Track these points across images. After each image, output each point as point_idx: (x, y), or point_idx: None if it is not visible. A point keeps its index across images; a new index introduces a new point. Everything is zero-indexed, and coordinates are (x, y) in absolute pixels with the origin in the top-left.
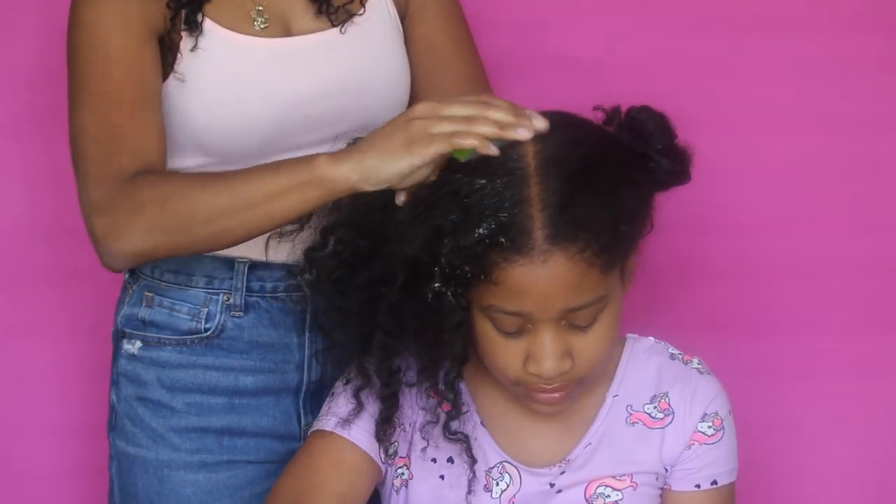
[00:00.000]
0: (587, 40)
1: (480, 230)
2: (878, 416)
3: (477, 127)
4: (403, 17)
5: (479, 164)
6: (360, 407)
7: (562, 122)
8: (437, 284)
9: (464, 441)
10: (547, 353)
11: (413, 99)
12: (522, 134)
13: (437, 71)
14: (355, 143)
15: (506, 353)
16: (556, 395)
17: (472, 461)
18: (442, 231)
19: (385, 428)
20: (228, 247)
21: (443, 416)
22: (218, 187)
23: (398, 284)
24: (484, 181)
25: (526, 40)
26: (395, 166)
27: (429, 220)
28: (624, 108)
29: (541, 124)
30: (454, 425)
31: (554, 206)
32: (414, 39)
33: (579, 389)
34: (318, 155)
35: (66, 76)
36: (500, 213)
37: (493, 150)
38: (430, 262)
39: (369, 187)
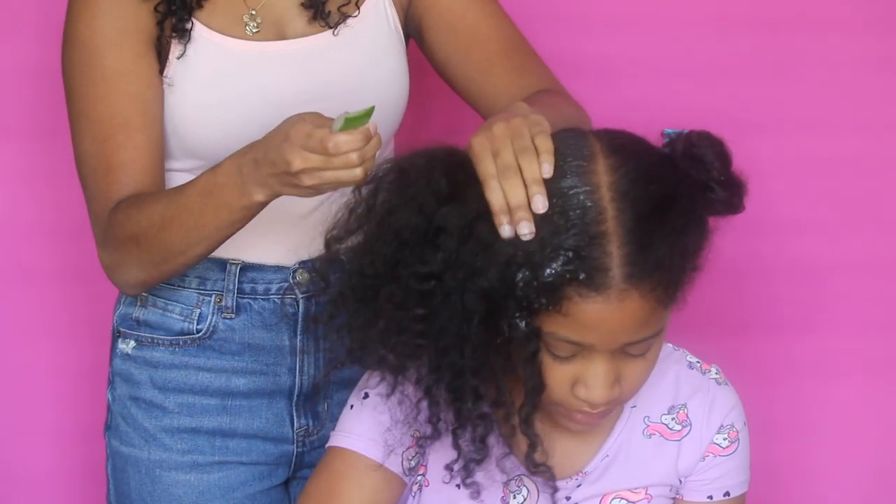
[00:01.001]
0: (593, 39)
1: (558, 264)
2: (887, 416)
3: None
4: (407, 9)
5: (550, 193)
6: (421, 451)
7: (630, 150)
8: (516, 316)
9: (546, 472)
10: (600, 381)
11: (457, 83)
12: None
13: (470, 50)
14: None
15: (555, 376)
16: (596, 414)
17: (554, 489)
18: (514, 261)
19: (471, 469)
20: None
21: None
22: (174, 225)
23: (477, 320)
24: (557, 212)
25: (534, 38)
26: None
27: (500, 250)
28: (682, 128)
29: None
30: (537, 457)
31: (633, 243)
32: (434, 27)
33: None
34: (243, 183)
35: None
36: (579, 249)
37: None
38: (504, 294)
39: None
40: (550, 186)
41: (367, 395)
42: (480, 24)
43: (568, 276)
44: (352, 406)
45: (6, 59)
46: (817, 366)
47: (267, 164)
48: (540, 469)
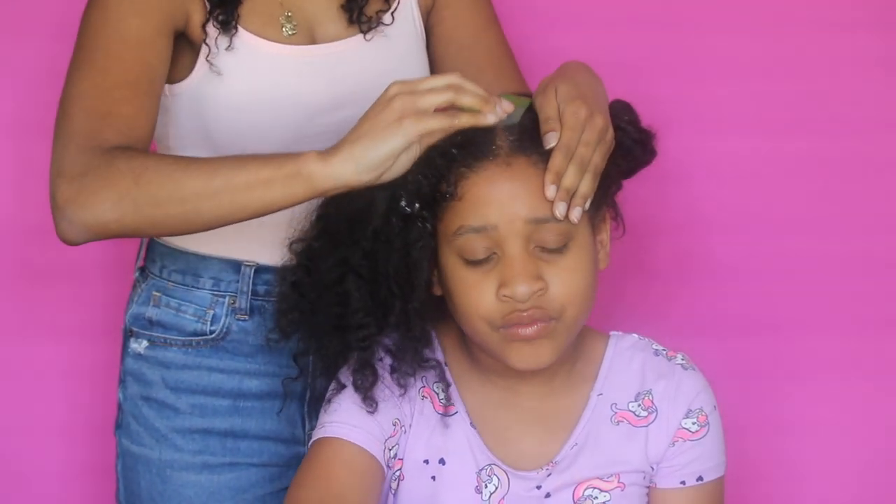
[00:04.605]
0: (575, 40)
1: (445, 143)
2: (877, 417)
3: (462, 98)
4: (430, 9)
5: None
6: (340, 386)
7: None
8: (404, 203)
9: (436, 367)
10: (517, 270)
11: None
12: (490, 119)
13: (461, 60)
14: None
15: (478, 287)
16: (533, 328)
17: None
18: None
19: (364, 378)
20: (192, 233)
21: (436, 417)
22: (197, 168)
23: (370, 227)
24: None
25: (516, 39)
26: (388, 145)
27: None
28: None
29: (507, 107)
30: (426, 353)
31: (516, 129)
32: (439, 26)
33: (559, 342)
34: (308, 152)
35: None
36: (465, 133)
37: (490, 120)
38: (398, 185)
39: (365, 177)
40: None
41: (344, 386)
42: (480, 36)
43: (454, 149)
44: (329, 401)
45: (25, 59)
46: (804, 366)
47: (363, 119)
48: (430, 363)
